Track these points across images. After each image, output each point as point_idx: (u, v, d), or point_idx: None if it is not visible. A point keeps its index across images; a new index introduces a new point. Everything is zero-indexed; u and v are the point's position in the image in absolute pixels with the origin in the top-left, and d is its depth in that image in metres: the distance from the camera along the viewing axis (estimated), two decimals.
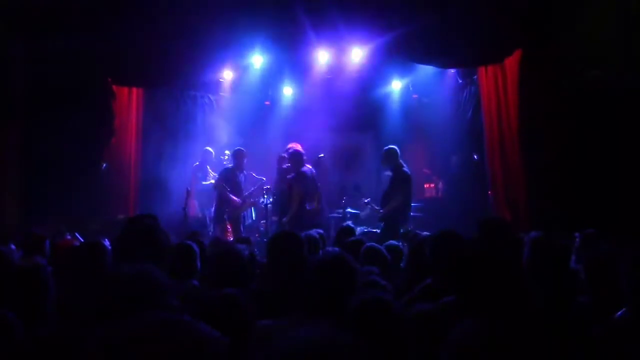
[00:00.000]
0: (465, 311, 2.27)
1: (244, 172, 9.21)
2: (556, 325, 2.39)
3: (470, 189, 9.56)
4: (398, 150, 8.22)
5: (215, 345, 1.24)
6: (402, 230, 7.37)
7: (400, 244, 5.93)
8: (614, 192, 7.06)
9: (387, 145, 8.36)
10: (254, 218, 10.23)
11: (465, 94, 9.82)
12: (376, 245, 4.66)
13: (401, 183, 8.09)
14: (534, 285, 2.94)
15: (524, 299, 2.45)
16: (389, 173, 9.89)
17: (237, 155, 9.11)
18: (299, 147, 8.92)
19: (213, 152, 10.19)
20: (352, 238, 5.27)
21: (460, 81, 10.02)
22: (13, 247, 4.66)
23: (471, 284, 2.29)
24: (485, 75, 8.84)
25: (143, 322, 1.25)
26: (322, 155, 9.07)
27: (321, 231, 6.23)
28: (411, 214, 8.40)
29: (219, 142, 10.44)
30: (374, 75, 10.54)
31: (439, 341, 1.56)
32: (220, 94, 11.18)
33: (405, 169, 8.17)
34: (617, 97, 7.13)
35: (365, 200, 8.90)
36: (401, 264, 5.09)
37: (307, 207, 8.50)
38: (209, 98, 11.19)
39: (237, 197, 8.97)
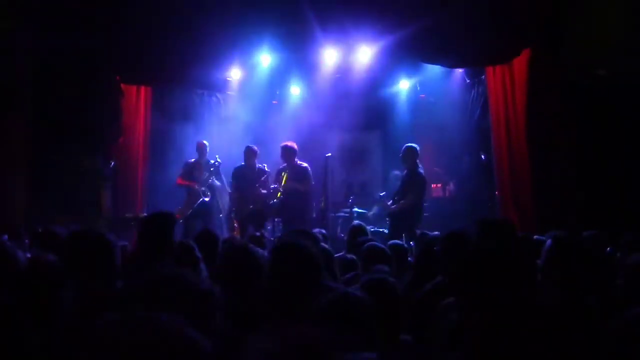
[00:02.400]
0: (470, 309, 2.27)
1: (257, 167, 9.10)
2: (568, 324, 2.40)
3: (478, 189, 9.55)
4: (418, 150, 8.24)
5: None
6: (418, 232, 7.28)
7: (404, 242, 5.93)
8: (621, 193, 7.04)
9: (407, 144, 8.37)
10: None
11: (472, 94, 9.79)
12: (378, 244, 4.64)
13: (416, 184, 8.13)
14: (548, 285, 2.94)
15: (534, 298, 2.45)
16: (397, 172, 9.91)
17: (247, 153, 9.09)
18: (289, 143, 9.00)
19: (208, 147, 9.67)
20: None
21: (468, 81, 10.00)
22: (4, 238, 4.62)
23: (478, 284, 2.29)
24: (493, 75, 8.81)
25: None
26: (329, 154, 9.06)
27: (323, 231, 6.22)
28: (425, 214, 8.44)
29: (227, 139, 10.38)
30: (381, 74, 10.53)
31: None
32: (228, 92, 11.19)
33: (421, 169, 8.22)
34: (625, 96, 7.11)
35: (381, 194, 8.91)
36: (406, 263, 5.08)
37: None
38: (217, 97, 11.21)
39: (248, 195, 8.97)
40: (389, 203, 8.32)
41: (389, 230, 8.20)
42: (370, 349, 2.02)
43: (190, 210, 9.13)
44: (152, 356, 1.10)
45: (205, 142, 9.61)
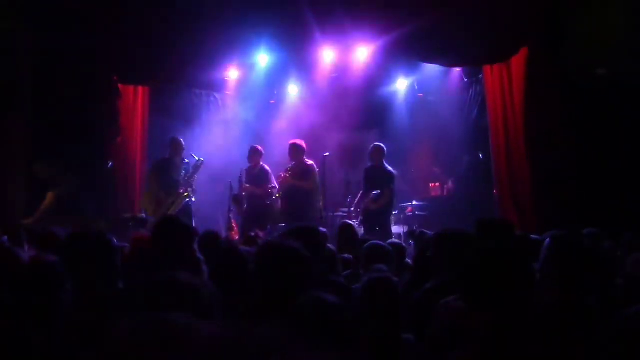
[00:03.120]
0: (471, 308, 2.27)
1: (259, 167, 9.04)
2: (568, 324, 2.40)
3: (476, 188, 9.56)
4: (385, 150, 8.57)
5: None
6: (417, 231, 7.39)
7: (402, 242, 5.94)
8: (621, 193, 7.05)
9: (375, 143, 8.79)
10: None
11: (470, 93, 9.81)
12: (381, 242, 4.61)
13: (389, 179, 8.36)
14: (548, 285, 2.94)
15: (534, 298, 2.45)
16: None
17: (250, 153, 9.05)
18: (297, 141, 8.96)
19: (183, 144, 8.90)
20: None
21: (466, 80, 10.02)
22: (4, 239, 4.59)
23: (477, 284, 2.29)
24: (490, 74, 8.82)
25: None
26: (327, 154, 9.05)
27: (324, 230, 6.21)
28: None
29: (225, 139, 10.35)
30: (379, 73, 10.54)
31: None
32: (226, 92, 11.19)
33: (388, 166, 8.49)
34: (624, 96, 7.11)
35: (375, 192, 8.98)
36: (404, 262, 5.08)
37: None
38: (215, 97, 11.21)
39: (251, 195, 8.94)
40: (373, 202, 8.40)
41: (366, 226, 8.28)
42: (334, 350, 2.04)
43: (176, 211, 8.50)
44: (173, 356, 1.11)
45: (181, 139, 8.91)
